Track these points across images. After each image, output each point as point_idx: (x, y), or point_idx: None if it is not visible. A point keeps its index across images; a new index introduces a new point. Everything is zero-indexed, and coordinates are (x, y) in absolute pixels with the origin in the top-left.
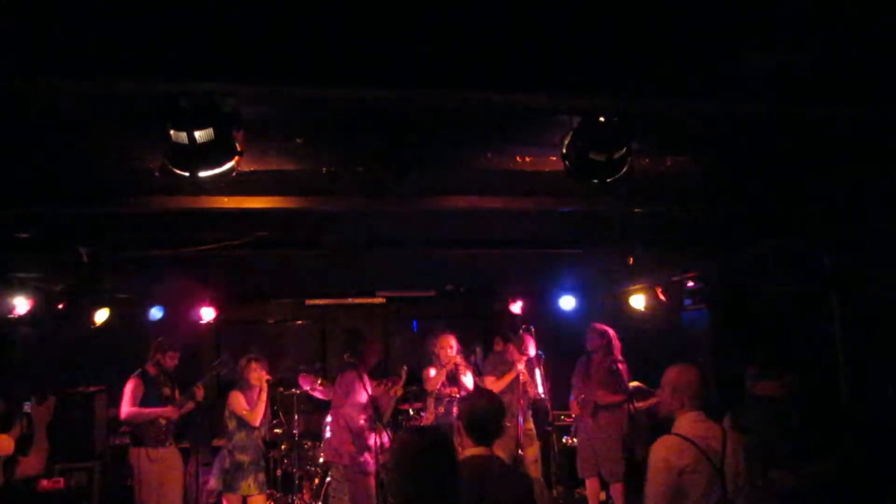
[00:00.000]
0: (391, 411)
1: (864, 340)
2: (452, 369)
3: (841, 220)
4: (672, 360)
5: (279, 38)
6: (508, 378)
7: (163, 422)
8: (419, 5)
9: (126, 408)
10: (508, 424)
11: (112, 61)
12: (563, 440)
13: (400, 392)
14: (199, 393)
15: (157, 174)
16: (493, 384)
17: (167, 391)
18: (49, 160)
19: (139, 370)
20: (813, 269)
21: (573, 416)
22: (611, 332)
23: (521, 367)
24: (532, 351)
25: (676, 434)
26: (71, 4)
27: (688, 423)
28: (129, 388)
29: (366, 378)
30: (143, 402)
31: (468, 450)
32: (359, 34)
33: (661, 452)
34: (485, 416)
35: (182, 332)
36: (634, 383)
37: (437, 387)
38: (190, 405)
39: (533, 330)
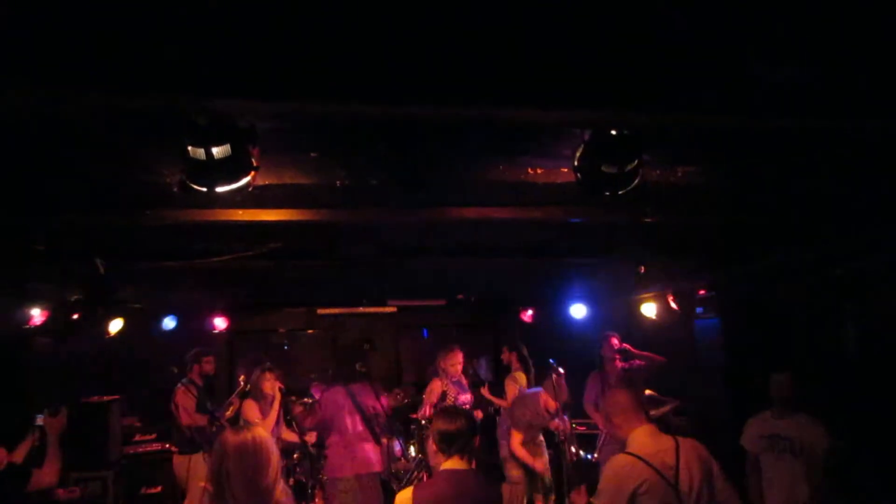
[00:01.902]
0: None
1: (878, 349)
2: (455, 381)
3: (853, 230)
4: (683, 370)
5: (294, 56)
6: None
7: (213, 427)
8: (431, 23)
9: (191, 415)
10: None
11: (132, 79)
12: (591, 458)
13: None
14: (236, 404)
15: (174, 189)
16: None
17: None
18: (68, 174)
19: (185, 380)
20: (825, 278)
21: (601, 428)
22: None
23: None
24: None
25: (628, 453)
26: (90, 22)
27: (638, 440)
28: (184, 397)
29: (376, 387)
30: (196, 409)
31: (443, 464)
32: (373, 52)
33: (612, 473)
34: (451, 429)
35: (197, 341)
36: (647, 392)
37: (434, 400)
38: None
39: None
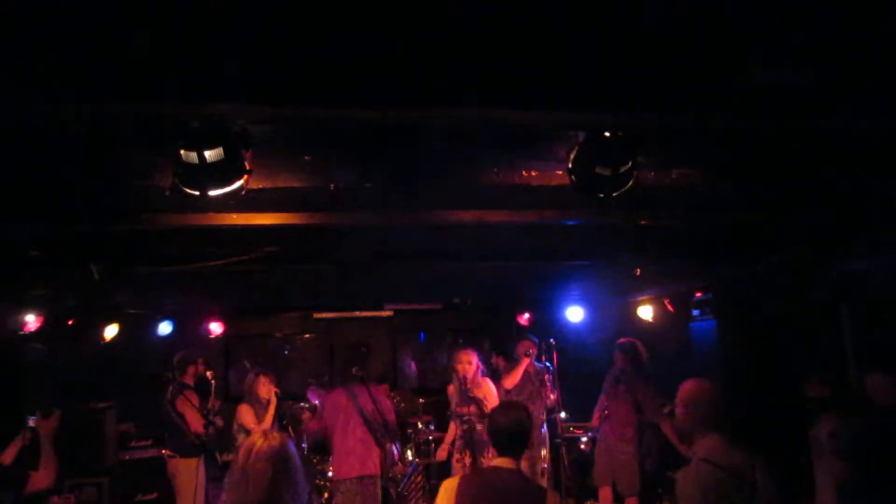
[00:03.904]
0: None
1: (875, 350)
2: (466, 388)
3: (850, 231)
4: (680, 372)
5: (287, 60)
6: (519, 370)
7: (209, 430)
8: (424, 26)
9: (198, 420)
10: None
11: (125, 85)
12: (580, 446)
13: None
14: (218, 402)
15: (167, 193)
16: (507, 380)
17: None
18: (61, 179)
19: (179, 384)
20: (822, 279)
21: (594, 426)
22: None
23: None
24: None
25: (706, 460)
26: (84, 30)
27: (711, 446)
28: (187, 404)
29: (373, 390)
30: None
31: (492, 460)
32: (365, 55)
33: (698, 484)
34: (507, 427)
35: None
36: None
37: (454, 406)
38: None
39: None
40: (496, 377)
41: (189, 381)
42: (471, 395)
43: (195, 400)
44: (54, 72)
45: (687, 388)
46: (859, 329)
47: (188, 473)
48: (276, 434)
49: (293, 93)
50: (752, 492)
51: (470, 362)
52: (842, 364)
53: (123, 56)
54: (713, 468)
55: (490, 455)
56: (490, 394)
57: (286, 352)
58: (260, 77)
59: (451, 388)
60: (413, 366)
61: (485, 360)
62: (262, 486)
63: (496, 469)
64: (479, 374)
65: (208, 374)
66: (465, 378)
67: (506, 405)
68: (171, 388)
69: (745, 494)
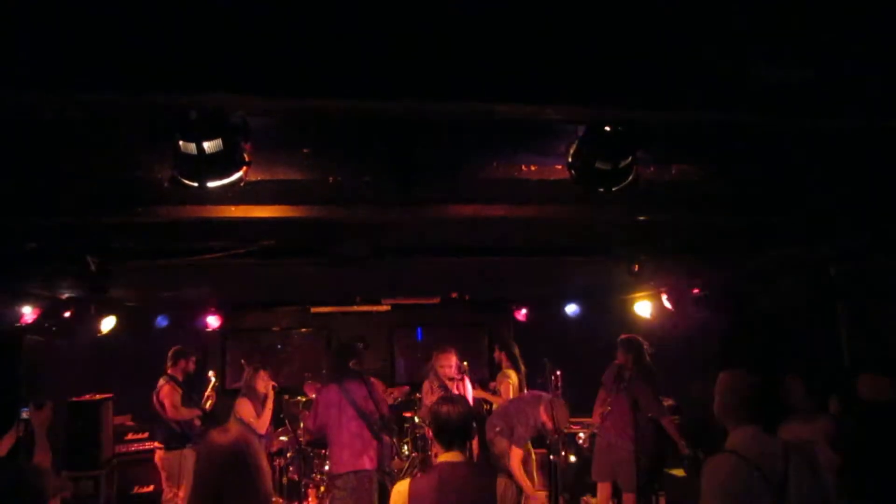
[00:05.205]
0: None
1: (871, 349)
2: (446, 384)
3: (846, 229)
4: (678, 368)
5: (286, 49)
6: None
7: (198, 422)
8: (424, 17)
9: (178, 409)
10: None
11: (122, 74)
12: (579, 442)
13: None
14: (213, 398)
15: (165, 184)
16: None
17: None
18: (58, 170)
19: (167, 376)
20: (819, 277)
21: (594, 423)
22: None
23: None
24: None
25: (732, 452)
26: (80, 17)
27: (742, 438)
28: (170, 392)
29: (368, 383)
30: (182, 403)
31: (440, 456)
32: (365, 46)
33: (718, 475)
34: (450, 421)
35: (189, 339)
36: None
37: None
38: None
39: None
40: (499, 369)
41: (177, 374)
42: (448, 391)
43: (179, 392)
44: (48, 60)
45: (722, 379)
46: (855, 328)
47: (170, 465)
48: (233, 429)
49: (291, 83)
50: (782, 482)
51: (450, 365)
52: (838, 361)
53: (114, 45)
54: (738, 459)
55: (436, 451)
56: (468, 394)
57: (283, 346)
58: (257, 67)
59: (425, 386)
60: (409, 360)
61: (477, 355)
62: (207, 479)
63: (447, 464)
64: (458, 373)
65: (211, 374)
66: (445, 379)
67: (447, 399)
68: (160, 379)
69: (773, 486)
